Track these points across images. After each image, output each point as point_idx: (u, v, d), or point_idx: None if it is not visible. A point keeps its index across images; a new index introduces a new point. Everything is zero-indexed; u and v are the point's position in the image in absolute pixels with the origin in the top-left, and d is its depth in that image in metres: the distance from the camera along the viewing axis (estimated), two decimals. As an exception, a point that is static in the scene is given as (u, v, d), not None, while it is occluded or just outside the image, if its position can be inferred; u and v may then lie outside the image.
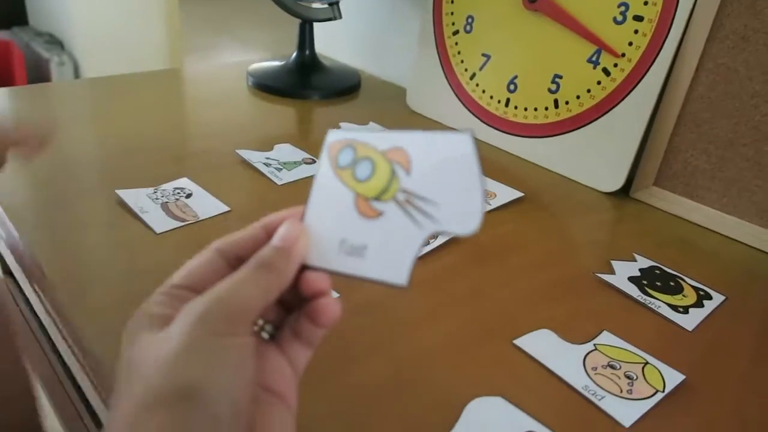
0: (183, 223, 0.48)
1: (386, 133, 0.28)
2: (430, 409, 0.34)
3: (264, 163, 0.59)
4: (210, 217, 0.50)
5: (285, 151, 0.63)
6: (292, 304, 0.28)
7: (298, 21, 0.82)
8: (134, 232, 0.47)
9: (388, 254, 0.27)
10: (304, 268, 0.27)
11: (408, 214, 0.27)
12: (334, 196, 0.29)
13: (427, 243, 0.26)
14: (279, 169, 0.59)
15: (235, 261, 0.26)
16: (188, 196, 0.52)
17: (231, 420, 0.22)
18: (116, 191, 0.51)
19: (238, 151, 0.61)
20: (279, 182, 0.56)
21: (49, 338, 0.50)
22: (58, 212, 0.49)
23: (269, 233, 0.27)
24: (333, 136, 0.30)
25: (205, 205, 0.51)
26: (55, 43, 2.19)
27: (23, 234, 0.46)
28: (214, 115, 0.73)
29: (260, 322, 0.27)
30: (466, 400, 0.34)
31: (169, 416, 0.21)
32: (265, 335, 0.27)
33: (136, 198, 0.51)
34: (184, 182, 0.55)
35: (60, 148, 0.61)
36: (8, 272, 0.80)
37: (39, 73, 2.12)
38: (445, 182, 0.27)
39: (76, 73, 2.15)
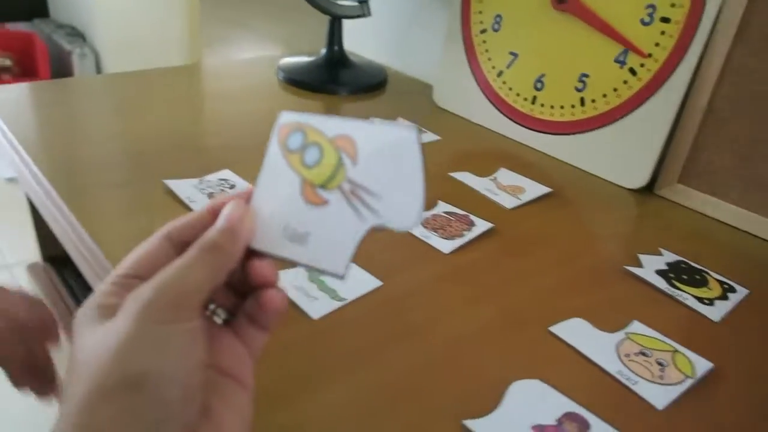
0: (229, 213, 0.51)
1: (336, 120, 0.28)
2: (471, 391, 0.36)
3: (301, 157, 0.61)
4: (254, 208, 0.52)
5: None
6: (244, 290, 0.27)
7: (315, 14, 0.84)
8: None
9: (329, 244, 0.27)
10: (249, 252, 0.27)
11: (351, 205, 0.27)
12: (281, 180, 0.29)
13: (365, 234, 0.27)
14: (315, 163, 0.61)
15: (182, 246, 0.26)
16: (231, 186, 0.55)
17: (181, 404, 0.22)
18: (164, 181, 0.54)
19: (275, 144, 0.64)
20: (316, 175, 0.59)
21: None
22: (110, 200, 0.52)
23: (216, 217, 0.27)
24: (284, 118, 0.29)
25: (249, 196, 0.53)
26: (77, 35, 2.22)
27: (81, 219, 0.48)
28: (247, 109, 0.76)
29: (212, 306, 0.28)
30: (506, 383, 0.36)
31: (118, 406, 0.21)
32: (218, 320, 0.28)
33: (184, 188, 0.53)
34: (226, 174, 0.57)
35: (103, 139, 0.63)
36: (48, 258, 0.83)
37: (61, 65, 2.15)
38: (389, 176, 0.27)
39: (98, 65, 2.18)
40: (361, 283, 0.44)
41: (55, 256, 0.83)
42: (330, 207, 0.27)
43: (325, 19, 0.84)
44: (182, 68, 0.90)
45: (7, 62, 2.06)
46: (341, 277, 0.27)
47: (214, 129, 0.70)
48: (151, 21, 2.17)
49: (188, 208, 0.51)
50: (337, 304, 0.41)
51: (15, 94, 0.73)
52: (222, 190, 0.54)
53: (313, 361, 0.37)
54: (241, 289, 0.28)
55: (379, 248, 0.48)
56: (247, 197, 0.28)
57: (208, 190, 0.54)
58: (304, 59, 0.88)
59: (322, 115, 0.28)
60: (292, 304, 0.41)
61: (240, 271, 0.26)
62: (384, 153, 0.27)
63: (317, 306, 0.41)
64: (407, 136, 0.26)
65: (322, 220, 0.27)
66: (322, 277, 0.44)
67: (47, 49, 2.10)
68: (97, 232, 0.47)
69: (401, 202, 0.26)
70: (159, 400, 0.21)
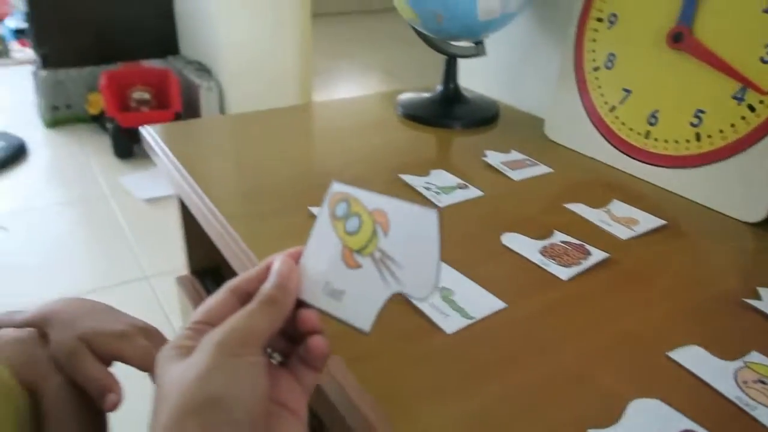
0: (366, 238, 0.58)
1: (376, 195, 0.33)
2: (592, 407, 0.40)
3: (425, 187, 0.68)
4: (387, 233, 0.59)
5: (440, 177, 0.71)
6: (296, 335, 0.34)
7: (417, 45, 0.90)
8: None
9: (359, 303, 0.32)
10: (298, 302, 0.33)
11: (380, 271, 0.32)
12: (326, 243, 0.34)
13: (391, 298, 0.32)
14: (438, 193, 0.67)
15: (245, 297, 0.33)
16: (367, 214, 0.62)
17: (248, 424, 0.28)
18: (309, 208, 0.62)
19: (401, 176, 0.70)
20: (441, 204, 0.65)
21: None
22: (264, 224, 0.61)
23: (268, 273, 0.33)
24: (335, 188, 0.35)
25: (382, 222, 0.60)
26: (204, 70, 2.45)
27: (246, 241, 0.57)
28: (373, 141, 0.83)
29: (269, 350, 0.33)
30: (625, 401, 0.40)
31: (200, 421, 0.27)
32: (274, 361, 0.34)
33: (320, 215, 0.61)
34: (360, 202, 0.64)
35: (250, 172, 0.73)
36: (194, 272, 0.95)
37: (190, 97, 2.38)
38: (411, 249, 0.31)
39: (221, 96, 2.40)
40: (488, 304, 0.49)
41: (200, 270, 0.94)
42: (363, 271, 0.32)
43: (427, 50, 0.91)
44: (311, 105, 1.00)
45: (146, 95, 2.31)
46: (366, 333, 0.32)
47: (346, 161, 0.78)
48: (266, 55, 2.36)
49: (331, 233, 0.58)
50: (467, 322, 0.47)
51: (178, 128, 0.86)
52: (358, 216, 0.61)
53: (445, 373, 0.43)
54: (293, 335, 0.34)
55: (503, 274, 0.53)
56: (296, 256, 0.34)
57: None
58: (422, 95, 0.95)
59: (365, 189, 0.34)
60: (428, 320, 0.47)
61: (291, 319, 0.33)
62: (408, 228, 0.31)
63: (450, 322, 0.47)
64: (429, 215, 0.31)
65: (355, 282, 0.33)
66: (453, 297, 0.49)
67: (179, 83, 2.34)
68: (257, 249, 0.55)
69: (419, 274, 0.31)
70: (232, 418, 0.27)
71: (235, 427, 0.27)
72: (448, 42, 0.89)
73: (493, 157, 0.77)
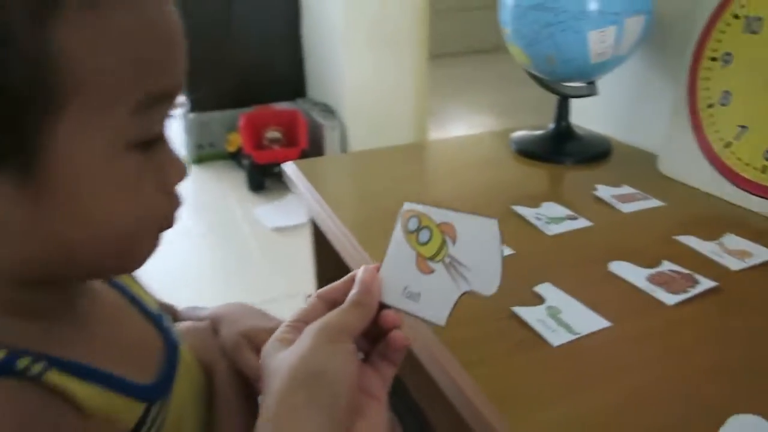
0: (480, 261, 0.64)
1: (442, 210, 0.39)
2: (690, 420, 0.43)
3: (536, 218, 0.73)
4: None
5: (551, 208, 0.76)
6: (377, 336, 0.40)
7: (529, 85, 0.96)
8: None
9: (434, 302, 0.38)
10: (380, 305, 0.39)
11: (451, 274, 0.37)
12: (402, 253, 0.40)
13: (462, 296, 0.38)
14: (548, 223, 0.72)
15: (332, 304, 0.40)
16: (481, 240, 0.68)
17: (344, 396, 0.34)
18: (429, 234, 0.70)
19: (513, 207, 0.76)
20: (549, 233, 0.70)
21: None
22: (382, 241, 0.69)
23: (353, 281, 0.41)
24: (406, 207, 0.41)
25: (495, 248, 0.67)
26: (329, 111, 2.66)
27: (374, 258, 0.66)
28: (488, 175, 0.90)
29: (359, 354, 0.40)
30: (725, 417, 0.42)
31: (305, 392, 0.33)
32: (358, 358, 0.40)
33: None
34: (475, 230, 0.71)
35: (372, 200, 0.83)
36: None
37: (316, 136, 2.59)
38: (477, 254, 0.37)
39: (343, 135, 2.58)
40: (593, 322, 0.53)
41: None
42: (436, 275, 0.38)
43: (539, 89, 0.96)
44: (427, 142, 1.09)
45: (278, 135, 2.55)
46: (442, 326, 0.38)
47: (459, 192, 0.85)
48: (386, 96, 2.51)
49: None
50: (572, 337, 0.52)
51: (312, 164, 0.98)
52: (473, 242, 0.68)
53: (550, 381, 0.48)
54: (375, 335, 0.40)
55: (609, 298, 0.57)
56: (376, 268, 0.42)
57: (462, 242, 0.68)
58: (534, 133, 1.01)
59: (431, 205, 0.40)
60: (535, 333, 0.52)
61: (374, 321, 0.40)
62: (474, 236, 0.37)
63: (556, 336, 0.52)
64: (491, 223, 0.36)
65: (430, 284, 0.39)
66: (559, 315, 0.54)
67: (306, 123, 2.56)
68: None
69: (485, 274, 0.36)
70: (331, 390, 0.34)
71: (333, 397, 0.34)
72: (561, 83, 0.94)
73: (604, 191, 0.80)
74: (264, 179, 2.51)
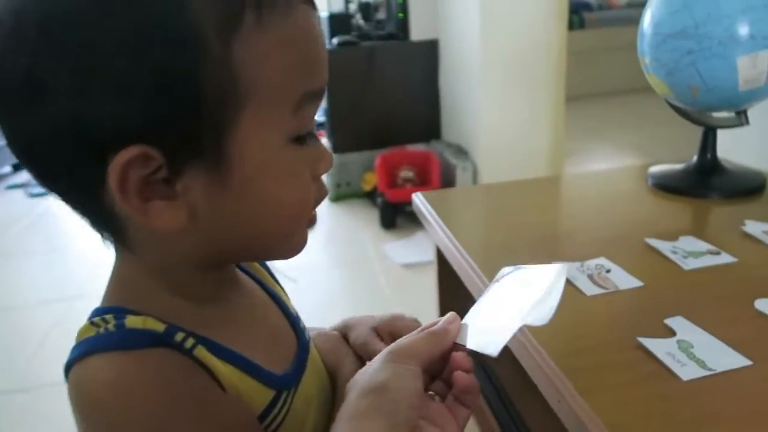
0: (606, 290, 0.62)
1: (530, 266, 0.45)
2: None
3: (671, 251, 0.69)
4: (628, 289, 0.62)
5: (690, 243, 0.71)
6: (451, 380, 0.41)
7: (670, 122, 0.90)
8: (568, 293, 0.62)
9: (496, 336, 0.40)
10: (455, 347, 0.41)
11: (520, 314, 0.40)
12: (484, 304, 0.44)
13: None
14: (685, 257, 0.67)
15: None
16: (608, 271, 0.66)
17: (405, 409, 0.37)
18: (551, 262, 0.68)
19: (646, 239, 0.72)
20: (686, 267, 0.65)
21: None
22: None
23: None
24: (504, 271, 0.47)
25: (623, 278, 0.64)
26: (462, 152, 2.69)
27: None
28: (618, 209, 0.87)
29: (431, 393, 0.42)
30: None
31: (371, 398, 0.37)
32: (433, 395, 0.42)
33: (568, 269, 0.66)
34: (602, 260, 0.68)
35: (501, 232, 0.82)
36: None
37: (448, 176, 2.63)
38: (546, 293, 0.41)
39: (475, 176, 2.59)
40: (730, 359, 0.49)
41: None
42: (506, 315, 0.41)
43: (679, 126, 0.91)
44: (561, 176, 1.07)
45: (411, 174, 2.62)
46: (495, 357, 0.40)
47: (592, 225, 0.83)
48: (520, 138, 2.49)
49: (572, 285, 0.63)
50: (705, 372, 0.48)
51: (441, 195, 1.01)
52: (599, 273, 0.66)
53: (676, 414, 0.45)
54: (450, 380, 0.41)
55: (752, 336, 0.52)
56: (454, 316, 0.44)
57: (588, 272, 0.66)
58: (674, 167, 0.95)
59: (522, 266, 0.46)
60: (664, 366, 0.49)
61: (446, 363, 0.41)
62: (543, 279, 0.42)
63: (686, 370, 0.48)
64: (561, 269, 0.42)
65: (497, 322, 0.41)
66: (691, 350, 0.51)
67: (439, 164, 2.61)
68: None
69: (543, 309, 0.40)
70: (393, 402, 0.37)
71: (394, 408, 0.37)
72: (706, 113, 0.89)
73: (754, 227, 0.74)
74: (396, 217, 2.59)
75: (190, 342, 0.37)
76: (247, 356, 0.41)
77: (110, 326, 0.37)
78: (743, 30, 0.77)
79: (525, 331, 0.56)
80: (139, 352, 0.35)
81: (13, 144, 0.35)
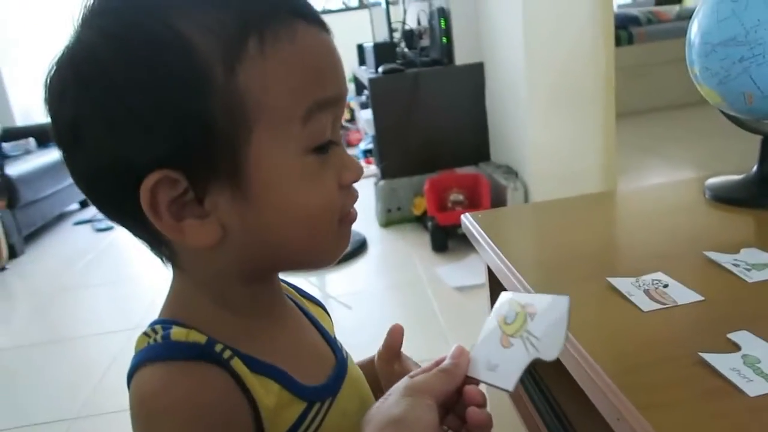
0: (664, 305, 0.60)
1: (528, 294, 0.49)
2: None
3: (733, 264, 0.66)
4: (687, 303, 0.60)
5: (753, 255, 0.68)
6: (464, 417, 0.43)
7: (727, 135, 0.87)
8: (624, 309, 0.61)
9: (508, 370, 0.41)
10: (468, 381, 0.43)
11: (526, 346, 0.42)
12: (492, 334, 0.45)
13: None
14: (748, 270, 0.65)
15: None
16: (665, 286, 0.64)
17: None
18: (608, 279, 0.67)
19: (705, 253, 0.70)
20: (749, 280, 0.63)
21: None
22: (560, 288, 0.68)
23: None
24: (501, 297, 0.47)
25: (681, 293, 0.62)
26: (512, 173, 2.67)
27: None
28: (674, 222, 0.84)
29: (445, 428, 0.43)
30: None
31: (389, 430, 0.39)
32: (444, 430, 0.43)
33: (624, 284, 0.65)
34: (659, 275, 0.66)
35: (552, 249, 0.81)
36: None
37: (498, 198, 2.61)
38: (548, 326, 0.42)
39: (526, 196, 2.56)
40: (800, 374, 0.47)
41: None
42: (514, 348, 0.43)
43: (737, 138, 0.88)
44: (615, 192, 1.05)
45: (461, 197, 2.62)
46: (510, 391, 0.41)
47: (647, 239, 0.81)
48: (571, 157, 2.46)
49: (628, 300, 0.62)
50: (775, 388, 0.45)
51: (491, 215, 1.00)
52: (656, 288, 0.64)
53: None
54: (463, 415, 0.43)
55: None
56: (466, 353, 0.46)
57: (644, 287, 0.64)
58: (733, 178, 0.92)
59: (521, 292, 0.46)
60: (729, 382, 0.47)
61: (460, 397, 0.43)
62: (548, 311, 0.43)
63: (753, 386, 0.46)
64: (563, 300, 0.43)
65: (507, 356, 0.43)
66: (758, 365, 0.48)
67: (489, 185, 2.59)
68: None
69: (551, 342, 0.41)
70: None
71: None
72: (763, 121, 0.86)
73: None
74: (447, 240, 2.58)
75: (227, 353, 0.40)
76: (282, 368, 0.43)
77: (158, 337, 0.41)
78: (799, 33, 0.74)
79: (579, 347, 0.55)
80: (181, 363, 0.39)
81: (76, 181, 0.41)
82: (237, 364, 0.40)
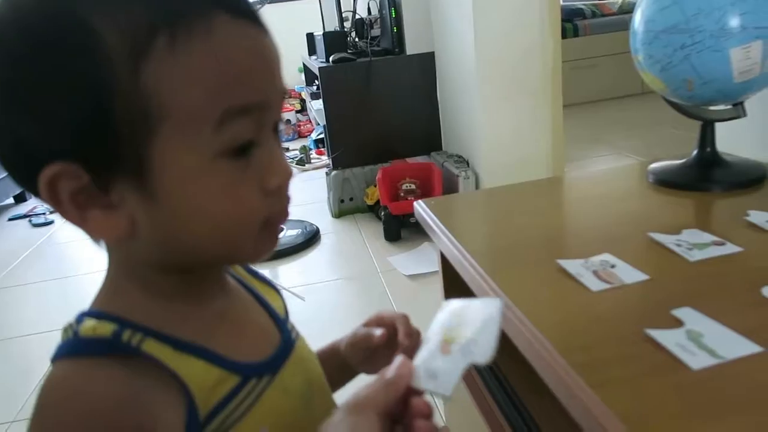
0: (611, 285, 0.61)
1: (465, 300, 0.47)
2: None
3: (675, 244, 0.68)
4: (633, 282, 0.61)
5: (694, 235, 0.71)
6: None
7: (668, 123, 0.90)
8: (574, 290, 0.62)
9: (447, 377, 0.42)
10: (412, 391, 0.42)
11: (464, 352, 0.42)
12: (433, 342, 0.45)
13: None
14: (690, 249, 0.67)
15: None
16: (612, 266, 0.65)
17: None
18: (557, 261, 0.68)
19: (649, 234, 0.72)
20: (691, 259, 0.65)
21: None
22: (516, 273, 0.68)
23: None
24: (443, 305, 0.48)
25: (628, 273, 0.63)
26: (463, 162, 2.70)
27: (502, 288, 0.66)
28: (618, 206, 0.86)
29: None
30: None
31: None
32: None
33: (573, 266, 0.66)
34: (607, 257, 0.68)
35: (503, 233, 0.82)
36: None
37: (450, 186, 2.63)
38: (483, 330, 0.43)
39: (477, 185, 2.59)
40: (741, 347, 0.48)
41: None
42: (452, 354, 0.43)
43: (677, 126, 0.91)
44: (561, 177, 1.07)
45: (413, 186, 2.63)
46: (448, 396, 0.41)
47: (593, 223, 0.82)
48: (521, 145, 2.50)
49: (578, 282, 0.63)
50: (715, 361, 0.47)
51: (443, 202, 1.01)
52: (604, 269, 0.65)
53: (688, 404, 0.44)
54: (411, 424, 0.42)
55: (763, 322, 0.52)
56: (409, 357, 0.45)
57: (592, 269, 0.65)
58: (674, 162, 0.95)
59: (461, 298, 0.47)
60: (673, 357, 0.48)
61: (407, 407, 0.42)
62: (482, 316, 0.44)
63: (696, 360, 0.48)
64: (496, 304, 0.44)
65: (446, 363, 0.43)
66: (702, 339, 0.50)
67: (441, 174, 2.61)
68: (511, 294, 0.63)
69: (485, 346, 0.42)
70: None
71: None
72: (702, 107, 0.89)
73: (758, 216, 0.73)
74: (400, 229, 2.59)
75: (136, 338, 0.39)
76: (208, 346, 0.43)
77: (70, 333, 0.40)
78: (734, 22, 0.77)
79: (532, 328, 0.55)
80: (86, 360, 0.39)
81: None
82: (150, 346, 0.40)
